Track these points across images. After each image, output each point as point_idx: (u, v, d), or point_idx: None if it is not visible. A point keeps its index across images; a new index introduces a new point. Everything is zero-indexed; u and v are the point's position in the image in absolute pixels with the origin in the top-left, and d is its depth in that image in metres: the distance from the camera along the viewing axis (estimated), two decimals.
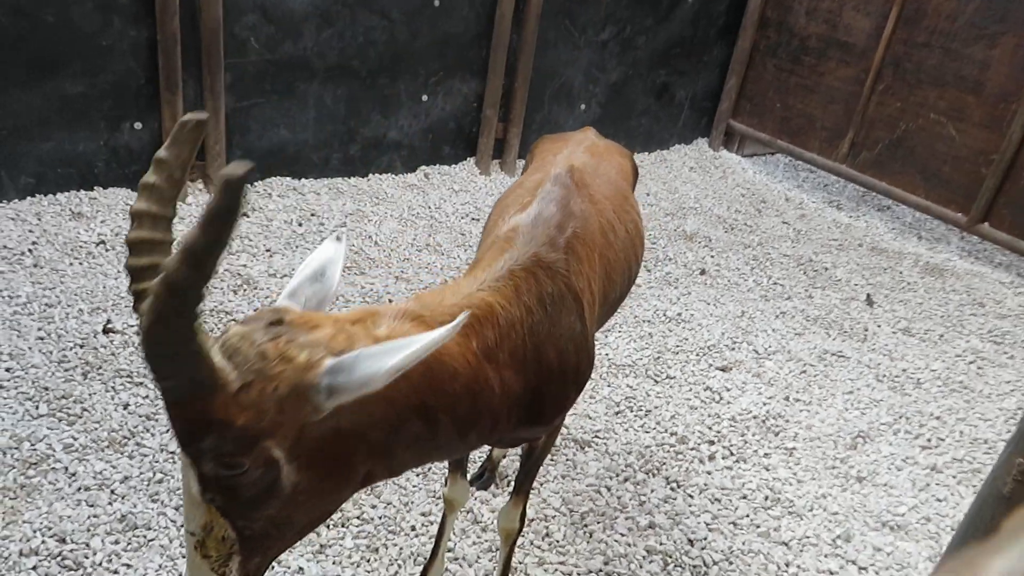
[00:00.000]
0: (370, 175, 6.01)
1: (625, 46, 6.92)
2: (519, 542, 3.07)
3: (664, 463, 3.62)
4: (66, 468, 3.08)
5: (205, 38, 4.82)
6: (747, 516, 3.36)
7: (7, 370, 3.51)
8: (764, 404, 4.13)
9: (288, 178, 5.64)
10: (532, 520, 3.17)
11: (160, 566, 2.75)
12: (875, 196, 7.31)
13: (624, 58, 6.98)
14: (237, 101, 5.20)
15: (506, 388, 1.69)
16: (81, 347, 3.73)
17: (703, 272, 5.52)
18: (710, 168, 7.54)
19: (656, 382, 4.24)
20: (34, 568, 2.69)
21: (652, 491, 3.43)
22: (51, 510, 2.89)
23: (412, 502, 3.18)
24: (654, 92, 7.38)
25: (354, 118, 5.76)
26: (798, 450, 3.82)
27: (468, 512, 3.18)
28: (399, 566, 2.90)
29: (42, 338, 3.76)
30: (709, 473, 3.60)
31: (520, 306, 1.73)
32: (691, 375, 4.32)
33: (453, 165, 6.40)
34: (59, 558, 2.73)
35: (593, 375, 4.14)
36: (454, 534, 3.06)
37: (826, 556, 3.23)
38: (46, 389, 3.45)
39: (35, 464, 3.09)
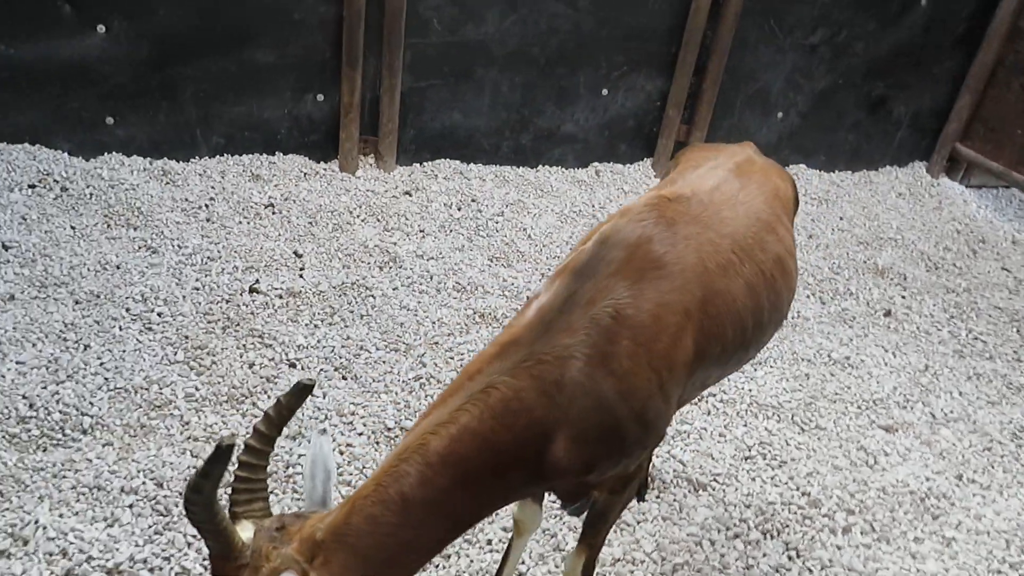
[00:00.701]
0: (539, 167, 5.89)
1: (838, 51, 6.26)
2: None
3: (787, 526, 3.19)
4: (182, 416, 3.23)
5: (388, 16, 4.90)
6: None
7: (159, 314, 3.76)
8: (927, 479, 3.54)
9: (456, 161, 5.65)
10: (618, 560, 2.91)
11: None
12: None
13: (836, 65, 6.32)
14: (414, 81, 5.26)
15: (464, 507, 1.78)
16: (227, 302, 3.92)
17: (888, 313, 4.87)
18: (923, 196, 6.68)
19: (802, 431, 3.77)
20: (130, 506, 2.83)
21: (764, 555, 3.04)
22: (159, 454, 3.04)
23: (497, 514, 3.02)
24: (868, 105, 6.64)
25: (529, 107, 5.65)
26: (958, 542, 3.23)
27: (552, 536, 2.97)
28: None
29: (197, 288, 3.99)
30: (839, 548, 3.13)
31: (498, 417, 1.72)
32: (845, 430, 3.80)
33: (627, 165, 6.13)
34: (153, 501, 2.86)
35: (728, 411, 3.77)
36: (529, 558, 2.87)
37: None
38: (186, 338, 3.65)
39: (159, 407, 3.27)
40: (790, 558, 3.05)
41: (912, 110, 6.79)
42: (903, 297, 5.09)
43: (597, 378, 1.77)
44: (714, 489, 3.32)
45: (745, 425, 3.73)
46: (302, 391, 1.70)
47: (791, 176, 2.77)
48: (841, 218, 6.04)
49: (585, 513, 3.06)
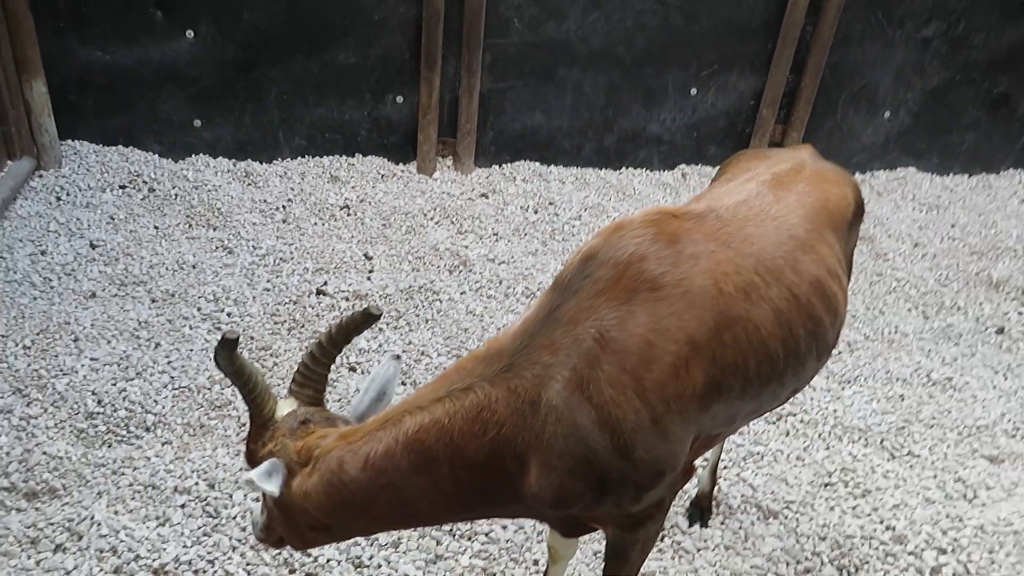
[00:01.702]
0: (622, 169, 5.70)
1: (955, 45, 5.77)
2: None
3: (866, 562, 2.91)
4: (239, 417, 3.26)
5: (468, 16, 4.84)
6: None
7: (228, 314, 3.82)
8: None
9: (536, 163, 5.54)
10: None
11: None
12: None
13: (952, 60, 5.83)
14: (494, 82, 5.18)
15: (419, 496, 1.77)
16: (294, 304, 3.95)
17: (1001, 331, 4.43)
18: None
19: (892, 457, 3.46)
20: (182, 506, 2.85)
21: None
22: (213, 455, 3.06)
23: (545, 530, 2.89)
24: (988, 104, 6.10)
25: (613, 107, 5.48)
26: None
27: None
28: None
29: (268, 290, 4.04)
30: None
31: (468, 421, 1.68)
32: (942, 458, 3.46)
33: (717, 167, 5.83)
34: (204, 502, 2.88)
35: (809, 433, 3.51)
36: None
37: None
38: (252, 338, 3.69)
39: (219, 407, 3.31)
40: None
41: None
42: (1020, 313, 4.62)
43: (573, 404, 1.63)
44: (786, 517, 3.08)
45: (827, 448, 3.45)
46: (368, 317, 1.83)
47: (853, 180, 2.48)
48: (953, 225, 5.56)
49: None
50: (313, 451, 1.76)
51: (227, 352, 1.70)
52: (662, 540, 2.93)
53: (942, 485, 3.31)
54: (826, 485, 3.26)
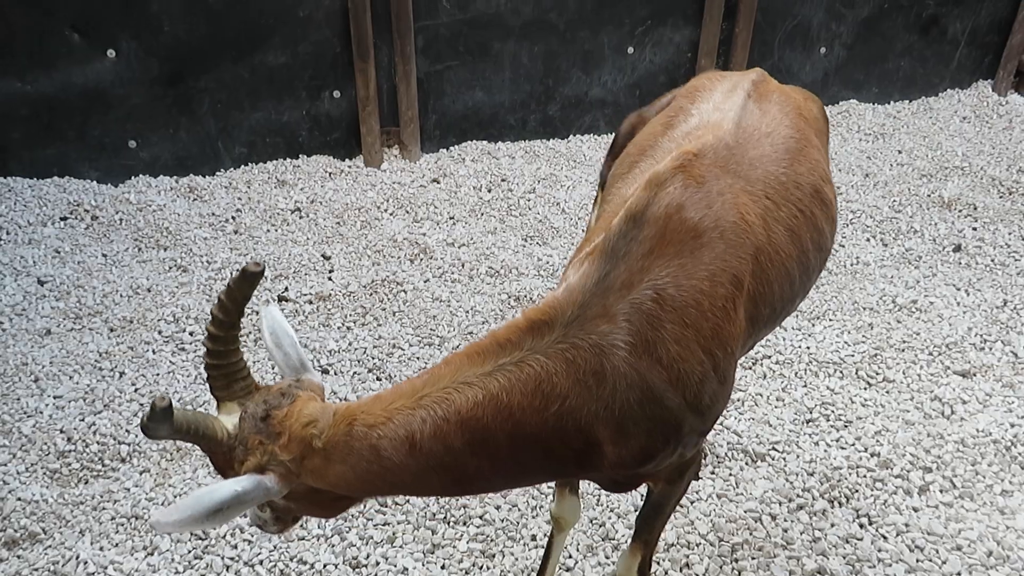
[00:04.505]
0: (570, 136, 5.68)
1: None
2: (653, 570, 2.66)
3: (856, 491, 2.96)
4: None
5: (395, 1, 4.75)
6: (957, 575, 2.63)
7: (190, 333, 3.74)
8: (1013, 426, 3.23)
9: (483, 142, 5.49)
10: (671, 546, 2.73)
11: (275, 547, 2.74)
12: None
13: None
14: (430, 65, 5.11)
15: (473, 472, 1.65)
16: (256, 314, 3.88)
17: (958, 248, 4.50)
18: (990, 117, 6.18)
19: (868, 385, 3.51)
20: (169, 533, 2.80)
21: (832, 526, 2.81)
22: (194, 476, 3.01)
23: (540, 507, 2.89)
24: (919, 27, 6.16)
25: (552, 76, 5.44)
26: None
27: (600, 526, 2.82)
28: None
29: None
30: (916, 510, 2.88)
31: (527, 395, 1.59)
32: (916, 380, 3.52)
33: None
34: None
35: (786, 373, 3.55)
36: (577, 550, 2.72)
37: None
38: None
39: None
40: (861, 526, 2.82)
41: (969, 26, 6.27)
42: (974, 229, 4.70)
43: (643, 369, 1.60)
44: (773, 458, 3.11)
45: (805, 386, 3.48)
46: (251, 276, 1.57)
47: (812, 95, 2.52)
48: (900, 152, 5.64)
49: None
50: (309, 441, 1.60)
51: (164, 422, 1.46)
52: None
53: (920, 406, 3.37)
54: (808, 421, 3.30)
